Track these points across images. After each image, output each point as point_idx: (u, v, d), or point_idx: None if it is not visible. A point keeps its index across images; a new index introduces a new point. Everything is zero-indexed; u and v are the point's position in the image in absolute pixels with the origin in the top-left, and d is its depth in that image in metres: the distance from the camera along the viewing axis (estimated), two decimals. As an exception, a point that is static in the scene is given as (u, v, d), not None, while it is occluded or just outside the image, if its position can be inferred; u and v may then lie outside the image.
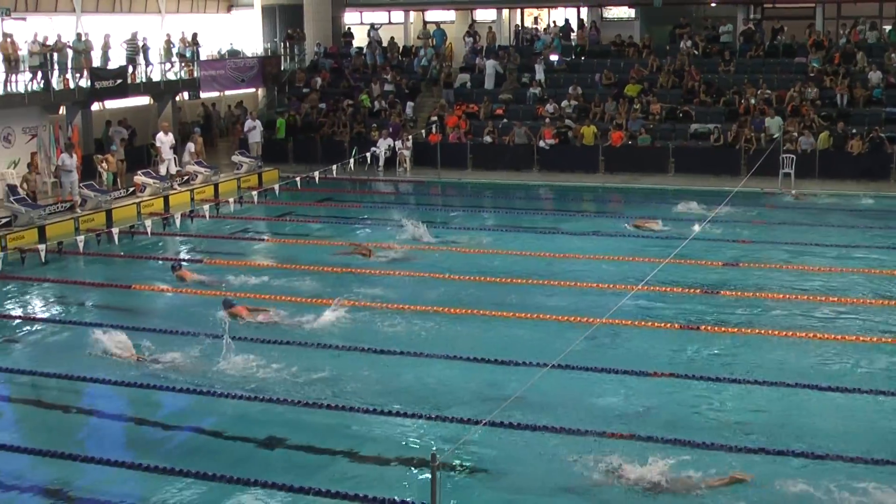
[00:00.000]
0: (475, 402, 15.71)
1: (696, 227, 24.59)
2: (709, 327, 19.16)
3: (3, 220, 27.38)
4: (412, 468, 13.57)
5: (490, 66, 41.52)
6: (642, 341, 18.61)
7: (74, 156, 30.74)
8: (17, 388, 17.30)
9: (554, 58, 42.58)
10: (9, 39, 32.13)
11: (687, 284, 22.07)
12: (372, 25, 46.88)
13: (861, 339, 18.40)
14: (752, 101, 36.45)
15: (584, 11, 46.18)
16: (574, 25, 45.11)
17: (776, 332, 18.80)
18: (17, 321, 20.55)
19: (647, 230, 27.21)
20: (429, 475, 10.03)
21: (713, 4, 44.29)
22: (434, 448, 13.23)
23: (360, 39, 47.30)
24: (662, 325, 19.39)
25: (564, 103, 38.63)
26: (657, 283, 20.91)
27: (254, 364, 17.45)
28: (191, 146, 35.47)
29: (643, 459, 13.40)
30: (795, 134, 34.47)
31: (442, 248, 25.95)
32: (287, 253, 25.98)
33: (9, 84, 32.02)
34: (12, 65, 31.99)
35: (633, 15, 45.73)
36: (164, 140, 34.18)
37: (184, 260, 25.07)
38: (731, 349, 18.18)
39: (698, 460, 13.47)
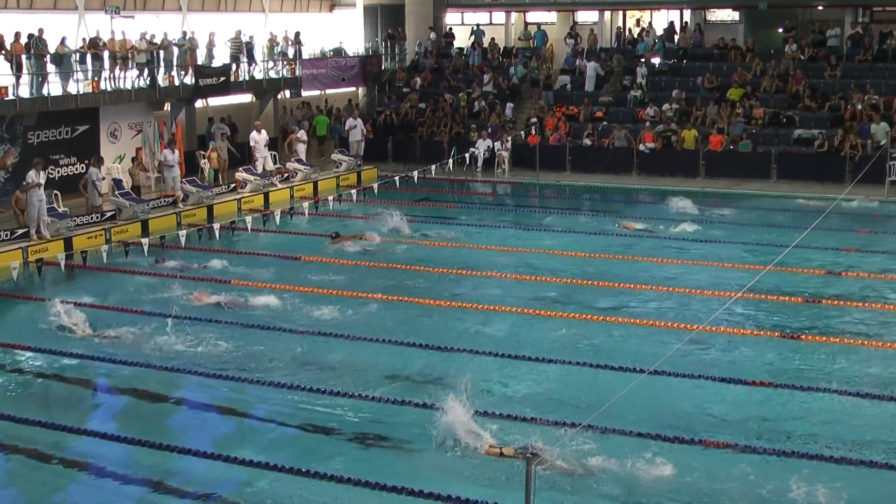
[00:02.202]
0: (571, 404, 15.62)
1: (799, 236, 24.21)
2: (809, 336, 18.80)
3: (108, 214, 27.96)
4: (508, 469, 13.47)
5: (591, 68, 41.27)
6: (741, 349, 18.34)
7: (176, 151, 31.24)
8: (117, 378, 17.60)
9: (656, 61, 42.19)
10: (118, 37, 32.80)
11: (788, 293, 21.69)
12: (476, 26, 47.09)
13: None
14: (859, 106, 35.68)
15: (687, 14, 45.70)
16: (677, 28, 44.68)
17: (878, 344, 18.40)
18: (114, 312, 20.90)
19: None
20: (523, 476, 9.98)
21: (820, 8, 43.47)
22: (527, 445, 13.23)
23: (461, 40, 47.36)
24: (762, 332, 19.10)
25: (666, 106, 38.25)
26: (758, 291, 20.58)
27: (350, 361, 17.65)
28: (302, 134, 36.32)
29: (738, 468, 13.25)
30: (903, 140, 33.69)
31: (535, 250, 25.91)
32: (383, 251, 26.08)
33: (115, 80, 32.66)
34: (118, 62, 32.63)
35: (736, 18, 45.12)
36: (258, 139, 34.56)
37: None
38: (831, 359, 17.77)
39: (799, 470, 13.26)
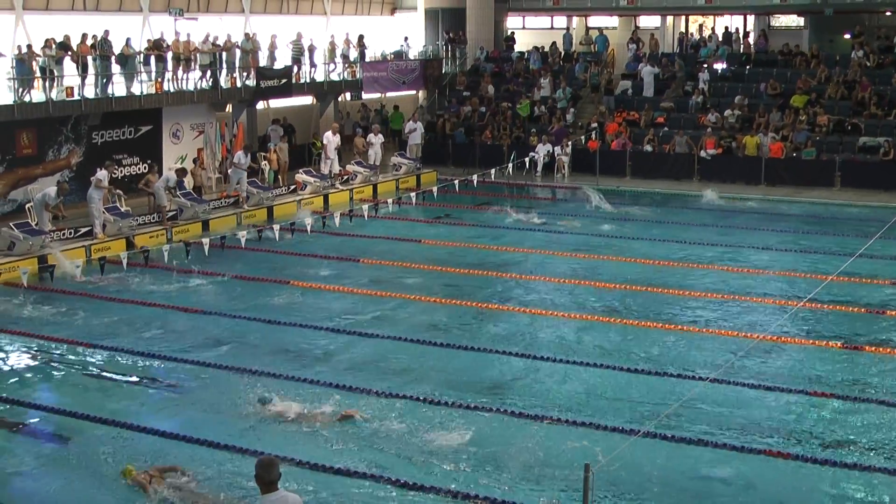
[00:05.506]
0: (629, 412, 15.50)
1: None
2: (873, 348, 18.50)
3: (170, 214, 28.21)
4: (564, 477, 13.37)
5: (647, 72, 40.95)
6: (802, 359, 18.09)
7: (249, 155, 31.27)
8: (180, 376, 17.69)
9: (719, 66, 41.80)
10: (182, 39, 33.12)
11: (851, 303, 21.36)
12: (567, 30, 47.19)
13: None
14: (927, 114, 35.18)
15: (750, 19, 45.29)
16: (741, 34, 44.30)
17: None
18: (171, 311, 21.12)
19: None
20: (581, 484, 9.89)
21: (888, 13, 42.90)
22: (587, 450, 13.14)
23: (521, 44, 47.32)
24: (824, 343, 18.81)
25: (728, 112, 37.87)
26: (820, 301, 20.32)
27: (420, 366, 17.78)
28: (371, 136, 36.58)
29: (798, 478, 13.08)
30: (971, 149, 33.12)
31: (595, 255, 25.78)
32: (440, 255, 26.07)
33: (178, 81, 32.96)
34: (181, 63, 32.92)
35: (801, 24, 44.64)
36: (332, 139, 34.63)
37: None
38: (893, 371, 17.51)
39: (860, 482, 13.06)
